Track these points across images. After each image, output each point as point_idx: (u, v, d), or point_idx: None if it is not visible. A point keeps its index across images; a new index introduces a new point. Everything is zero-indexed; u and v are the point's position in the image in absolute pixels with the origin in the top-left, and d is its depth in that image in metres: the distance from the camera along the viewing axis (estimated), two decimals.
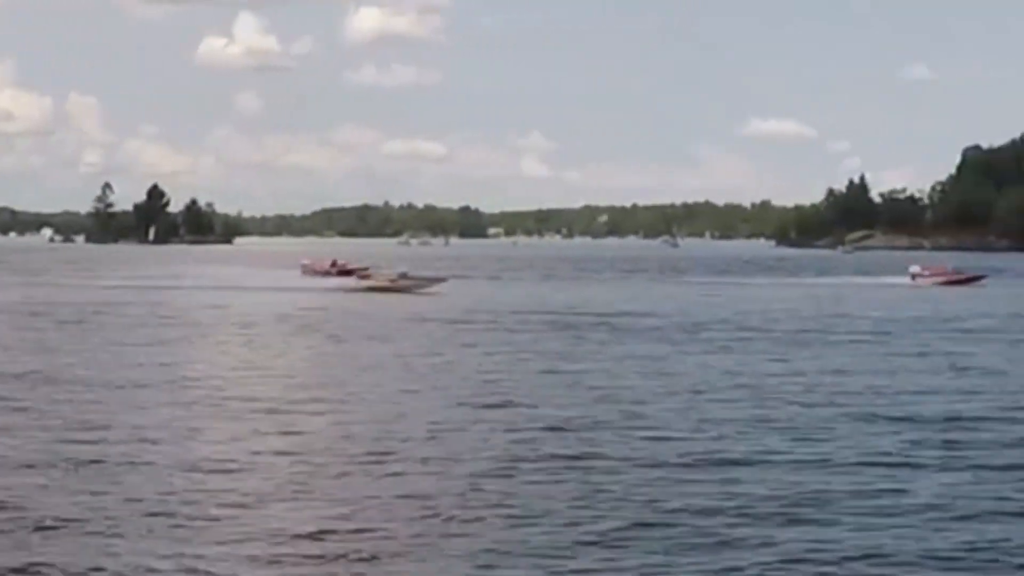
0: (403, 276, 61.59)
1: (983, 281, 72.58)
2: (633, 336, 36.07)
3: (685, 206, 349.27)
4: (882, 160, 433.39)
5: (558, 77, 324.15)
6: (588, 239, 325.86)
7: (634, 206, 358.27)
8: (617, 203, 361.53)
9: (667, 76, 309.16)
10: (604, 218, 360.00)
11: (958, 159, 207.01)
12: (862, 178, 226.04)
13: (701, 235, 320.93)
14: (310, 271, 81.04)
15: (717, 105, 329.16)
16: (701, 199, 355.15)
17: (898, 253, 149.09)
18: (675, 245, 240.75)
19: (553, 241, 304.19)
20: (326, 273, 77.05)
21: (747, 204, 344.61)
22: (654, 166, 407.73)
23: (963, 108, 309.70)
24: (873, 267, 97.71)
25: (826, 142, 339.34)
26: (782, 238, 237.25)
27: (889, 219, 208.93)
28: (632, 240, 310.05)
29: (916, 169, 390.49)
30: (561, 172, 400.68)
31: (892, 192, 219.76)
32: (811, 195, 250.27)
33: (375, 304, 50.87)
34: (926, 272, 74.67)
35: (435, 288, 61.19)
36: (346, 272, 73.79)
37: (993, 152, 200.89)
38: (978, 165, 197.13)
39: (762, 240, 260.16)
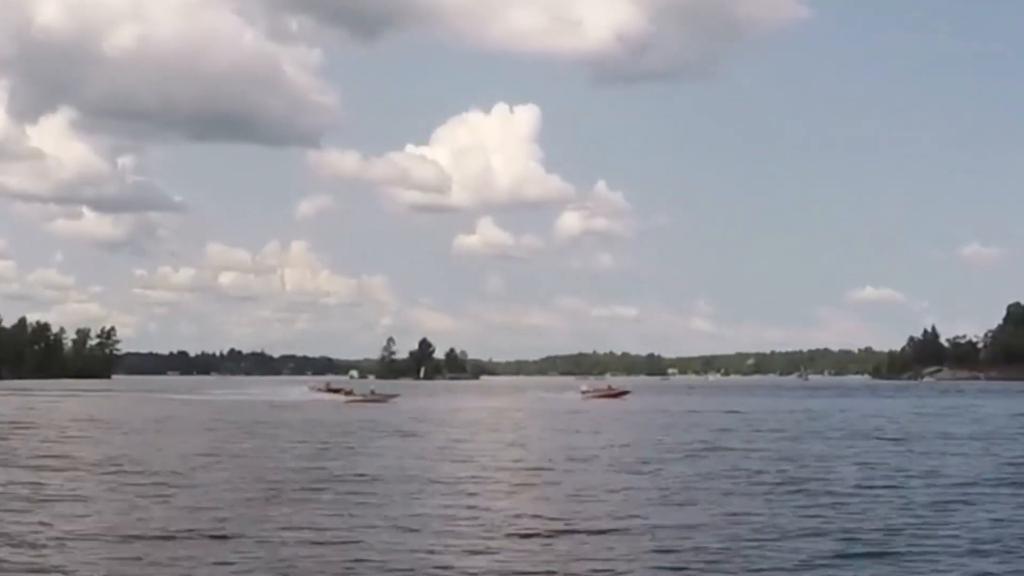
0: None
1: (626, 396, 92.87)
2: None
3: (810, 352, 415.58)
4: (950, 314, 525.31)
5: (715, 260, 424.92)
6: (739, 376, 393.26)
7: (773, 352, 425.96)
8: (761, 350, 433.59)
9: (793, 255, 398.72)
10: (751, 361, 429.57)
11: (1004, 313, 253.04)
12: (934, 328, 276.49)
13: (821, 373, 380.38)
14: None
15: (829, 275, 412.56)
16: (821, 347, 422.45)
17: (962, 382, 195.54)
18: (806, 379, 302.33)
19: (713, 379, 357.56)
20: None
21: (855, 350, 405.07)
22: (787, 323, 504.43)
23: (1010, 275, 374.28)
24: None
25: (911, 303, 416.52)
26: (876, 374, 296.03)
27: (954, 358, 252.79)
28: (772, 377, 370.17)
29: (973, 321, 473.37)
30: (720, 328, 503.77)
31: (955, 338, 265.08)
32: (899, 342, 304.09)
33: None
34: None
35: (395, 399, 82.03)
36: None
37: None
38: (1019, 317, 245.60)
39: (865, 376, 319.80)
